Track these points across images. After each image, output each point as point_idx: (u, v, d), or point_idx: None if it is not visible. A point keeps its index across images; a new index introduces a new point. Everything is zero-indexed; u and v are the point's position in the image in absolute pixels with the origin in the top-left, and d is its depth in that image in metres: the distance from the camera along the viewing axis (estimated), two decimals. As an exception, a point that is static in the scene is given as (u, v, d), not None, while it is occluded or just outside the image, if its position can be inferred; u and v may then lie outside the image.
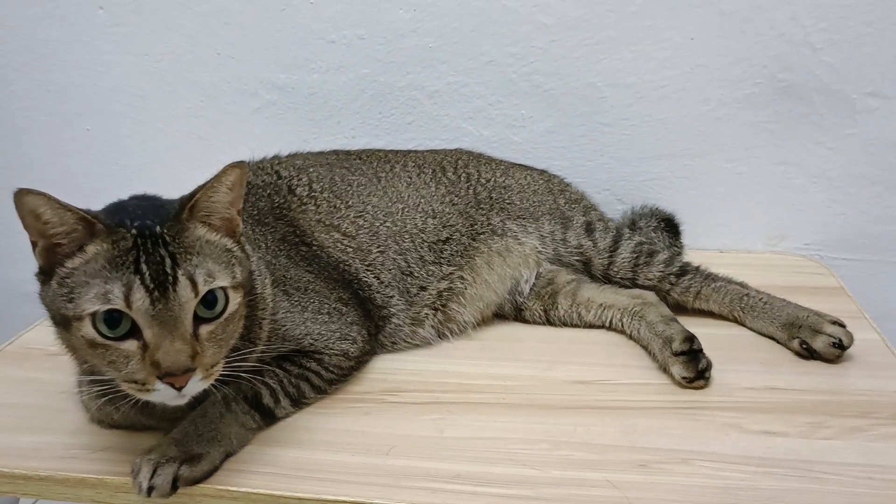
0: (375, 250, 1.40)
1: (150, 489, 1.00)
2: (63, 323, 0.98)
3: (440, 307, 1.42)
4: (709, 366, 1.25)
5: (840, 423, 1.14)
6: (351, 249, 1.38)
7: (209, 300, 0.98)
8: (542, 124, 1.80)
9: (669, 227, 1.70)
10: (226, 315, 1.00)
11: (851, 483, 1.01)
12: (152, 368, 0.94)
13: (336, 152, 1.59)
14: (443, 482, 1.03)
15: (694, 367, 1.23)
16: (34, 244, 1.00)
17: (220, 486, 1.04)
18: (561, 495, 1.00)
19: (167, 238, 0.97)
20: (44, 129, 1.98)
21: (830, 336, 1.30)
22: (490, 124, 1.82)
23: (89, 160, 1.99)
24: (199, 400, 1.10)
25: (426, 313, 1.41)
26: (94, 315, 0.93)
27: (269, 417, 1.15)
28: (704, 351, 1.27)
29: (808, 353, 1.32)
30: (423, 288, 1.41)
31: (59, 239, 0.97)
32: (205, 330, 0.98)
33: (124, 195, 1.11)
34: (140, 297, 0.93)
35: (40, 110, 1.97)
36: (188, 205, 1.00)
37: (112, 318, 0.94)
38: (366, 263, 1.38)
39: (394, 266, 1.40)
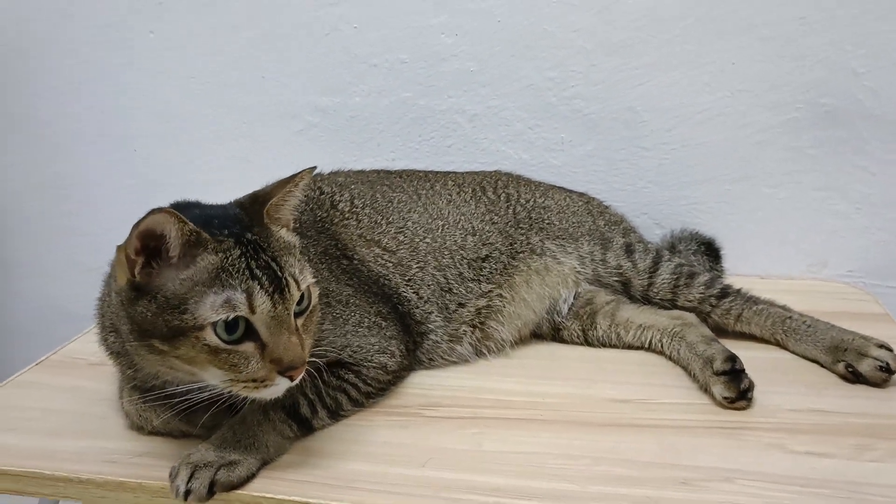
0: (415, 266, 1.41)
1: (188, 493, 1.01)
2: (168, 335, 0.99)
3: (478, 324, 1.42)
4: (751, 386, 1.23)
5: (888, 446, 1.12)
6: (391, 264, 1.39)
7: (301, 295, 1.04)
8: (582, 148, 1.81)
9: (710, 250, 1.69)
10: (311, 307, 1.06)
11: (901, 505, 0.99)
12: (272, 365, 0.99)
13: (377, 171, 1.61)
14: (483, 495, 1.03)
15: (736, 387, 1.22)
16: (132, 262, 1.00)
17: (255, 492, 1.04)
18: (602, 510, 0.99)
19: (262, 244, 1.03)
20: (94, 150, 2.04)
21: (877, 359, 1.28)
22: (529, 148, 1.84)
23: (136, 180, 2.03)
24: (238, 408, 1.11)
25: (464, 330, 1.41)
26: (215, 323, 0.97)
27: (305, 427, 1.16)
28: (746, 372, 1.25)
29: (853, 377, 1.30)
30: (461, 305, 1.42)
31: (172, 252, 0.99)
32: (299, 322, 1.04)
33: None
34: (262, 302, 0.98)
35: (92, 132, 2.03)
36: (265, 209, 1.06)
37: (230, 325, 0.98)
38: (406, 278, 1.39)
39: (433, 282, 1.41)
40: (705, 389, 1.27)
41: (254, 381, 0.99)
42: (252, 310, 0.97)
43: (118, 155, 2.02)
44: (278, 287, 0.99)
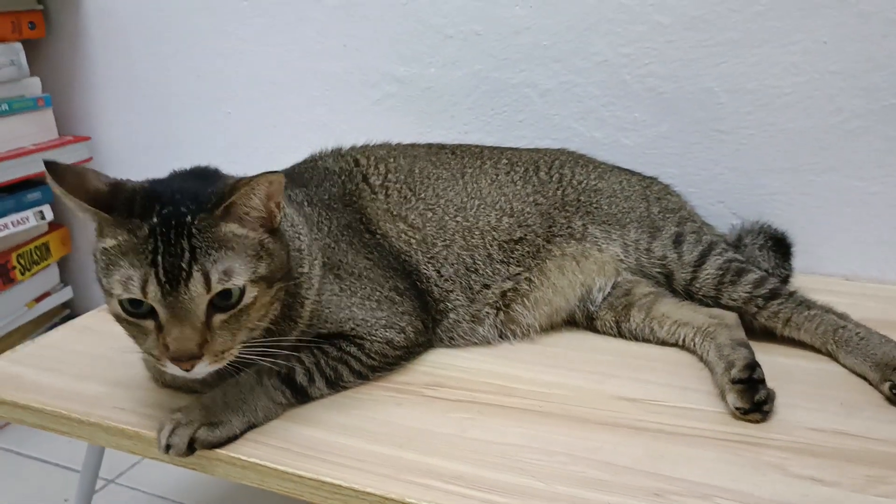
0: (440, 243, 1.39)
1: (168, 447, 1.07)
2: (102, 288, 1.08)
3: (503, 307, 1.39)
4: (769, 398, 1.13)
5: (906, 481, 1.00)
6: (415, 241, 1.39)
7: (224, 291, 1.04)
8: (655, 129, 1.72)
9: (780, 246, 1.56)
10: (240, 306, 1.05)
11: (891, 548, 0.89)
12: (163, 349, 1.02)
13: (430, 145, 1.60)
14: (441, 481, 1.02)
15: (749, 398, 1.13)
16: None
17: (233, 453, 1.08)
18: (556, 511, 0.96)
19: (194, 230, 1.03)
20: (190, 111, 2.16)
21: (927, 383, 1.14)
22: (601, 126, 1.76)
23: (226, 141, 2.14)
24: (240, 368, 1.15)
25: (487, 311, 1.39)
26: (119, 295, 1.03)
27: (301, 395, 1.19)
28: (770, 383, 1.15)
29: (898, 399, 1.17)
30: (486, 286, 1.39)
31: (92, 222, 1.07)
32: (218, 319, 1.04)
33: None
34: (153, 289, 1.00)
35: (189, 94, 2.15)
36: (224, 204, 1.04)
37: (134, 299, 1.02)
38: (428, 256, 1.38)
39: (458, 261, 1.39)
40: (722, 396, 1.19)
41: (152, 355, 1.04)
42: (144, 294, 1.00)
43: (212, 116, 2.13)
44: (176, 278, 1.00)
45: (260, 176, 1.04)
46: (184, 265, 1.00)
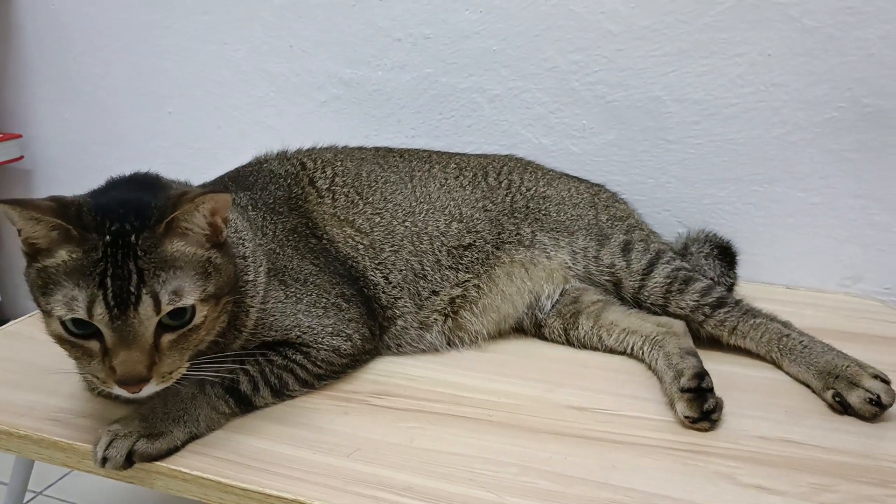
0: (388, 249, 1.37)
1: (105, 460, 1.02)
2: (39, 308, 1.03)
3: (451, 314, 1.38)
4: (717, 407, 1.14)
5: (851, 489, 1.01)
6: (362, 246, 1.36)
7: (174, 311, 1.00)
8: (604, 136, 1.72)
9: (724, 255, 1.58)
10: (190, 326, 1.02)
11: (838, 557, 0.90)
12: (110, 372, 0.97)
13: (378, 149, 1.57)
14: (390, 492, 0.99)
15: (698, 407, 1.13)
16: (18, 230, 1.02)
17: (174, 466, 1.04)
18: (507, 524, 0.94)
19: (139, 252, 0.98)
20: (130, 110, 2.09)
21: (868, 391, 1.16)
22: (550, 132, 1.76)
23: (169, 141, 2.08)
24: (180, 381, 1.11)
25: (435, 318, 1.37)
26: (61, 315, 0.97)
27: (246, 404, 1.15)
28: (717, 391, 1.16)
29: (841, 408, 1.18)
30: (434, 292, 1.38)
31: (35, 240, 1.00)
32: (167, 339, 1.00)
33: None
34: (101, 312, 0.96)
35: (129, 91, 2.08)
36: (166, 220, 1.00)
37: (79, 320, 0.97)
38: (376, 262, 1.36)
39: (406, 267, 1.37)
40: (671, 405, 1.19)
41: (96, 378, 1.00)
42: (90, 316, 0.96)
43: (154, 115, 2.07)
44: (125, 301, 0.96)
45: (205, 194, 1.01)
46: (132, 288, 0.96)
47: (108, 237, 0.97)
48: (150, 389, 1.00)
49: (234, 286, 1.11)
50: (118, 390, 0.99)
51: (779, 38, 1.55)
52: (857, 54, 1.51)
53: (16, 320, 1.49)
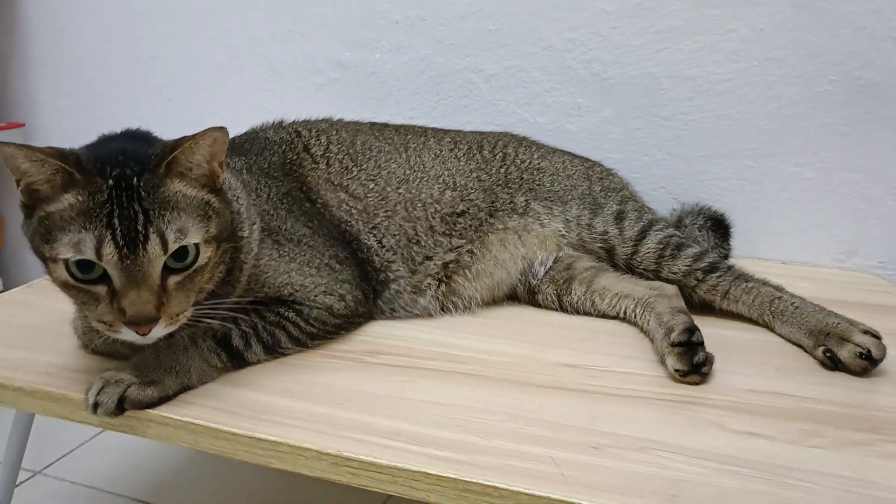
0: (382, 214, 1.38)
1: (96, 405, 1.03)
2: (41, 259, 1.04)
3: (444, 279, 1.38)
4: (707, 361, 1.14)
5: (839, 435, 1.01)
6: (356, 211, 1.37)
7: (179, 252, 1.01)
8: (599, 114, 1.73)
9: (718, 227, 1.58)
10: (195, 267, 1.03)
11: (825, 493, 0.89)
12: (119, 314, 0.99)
13: (374, 123, 1.59)
14: (379, 437, 1.00)
15: (689, 360, 1.13)
16: (17, 181, 1.04)
17: (165, 413, 1.05)
18: (494, 464, 0.94)
19: (142, 193, 1.00)
20: (130, 98, 2.12)
21: (858, 346, 1.16)
22: (546, 111, 1.77)
23: (168, 128, 2.06)
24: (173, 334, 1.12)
25: (429, 283, 1.38)
26: (67, 260, 0.99)
27: (238, 360, 1.16)
28: (709, 348, 1.16)
29: (832, 364, 1.18)
30: (428, 258, 1.38)
31: (38, 186, 1.02)
32: (173, 280, 1.02)
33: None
34: (110, 252, 0.97)
35: (129, 79, 2.11)
36: (166, 160, 1.02)
37: (85, 264, 0.99)
38: (369, 226, 1.37)
39: (399, 232, 1.38)
40: (662, 361, 1.19)
41: (103, 322, 1.00)
42: (99, 257, 0.97)
43: (153, 102, 2.09)
44: (133, 240, 0.97)
45: (204, 131, 1.04)
46: (139, 227, 0.98)
47: (111, 179, 0.99)
48: (158, 332, 1.01)
49: (233, 234, 1.13)
50: (126, 333, 1.00)
51: (770, 13, 1.56)
52: (849, 28, 1.52)
53: (13, 289, 1.50)
